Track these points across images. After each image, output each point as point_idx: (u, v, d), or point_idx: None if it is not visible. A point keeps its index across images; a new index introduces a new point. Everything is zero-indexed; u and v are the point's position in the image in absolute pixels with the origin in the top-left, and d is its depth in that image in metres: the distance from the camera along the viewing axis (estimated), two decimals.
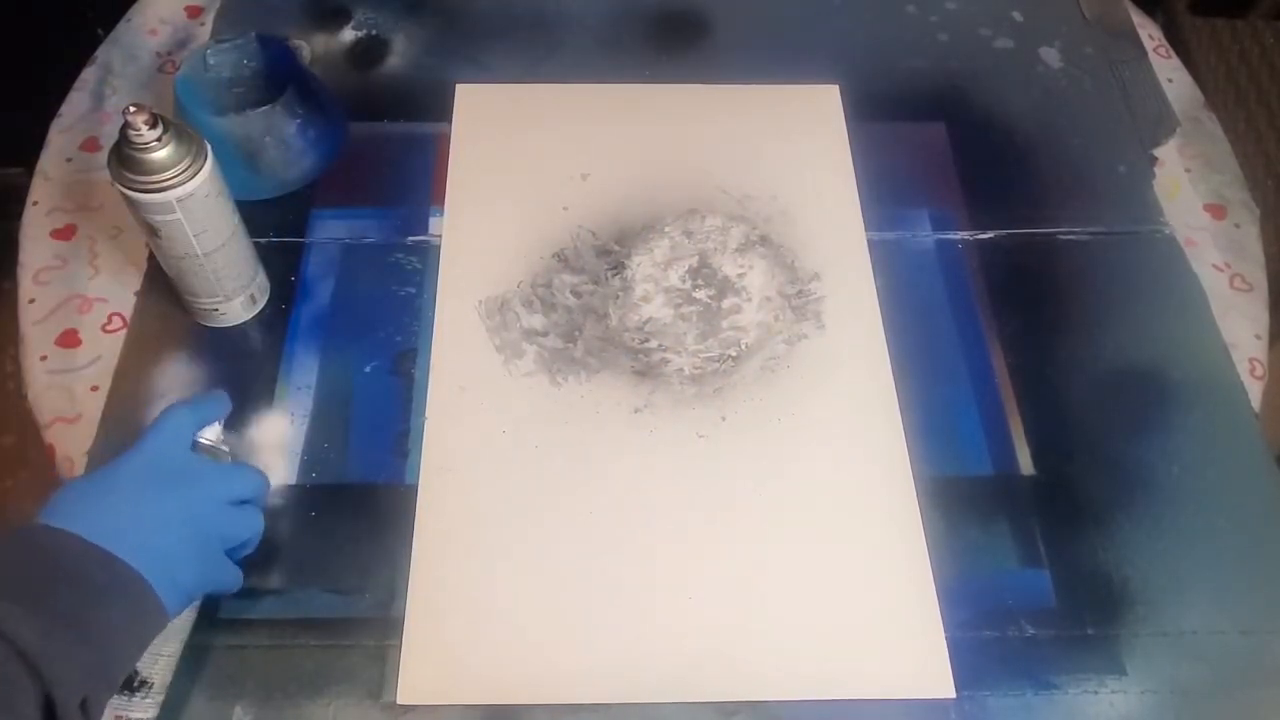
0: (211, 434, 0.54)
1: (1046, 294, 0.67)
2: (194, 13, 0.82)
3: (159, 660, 0.49)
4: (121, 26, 0.81)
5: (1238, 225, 0.72)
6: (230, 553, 0.51)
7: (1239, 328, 0.66)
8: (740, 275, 0.66)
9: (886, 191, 0.71)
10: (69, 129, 0.74)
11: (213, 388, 0.61)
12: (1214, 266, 0.69)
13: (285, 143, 0.68)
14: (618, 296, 0.65)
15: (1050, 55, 0.80)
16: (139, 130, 0.51)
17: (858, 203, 0.70)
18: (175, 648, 0.50)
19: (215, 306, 0.61)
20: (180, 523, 0.48)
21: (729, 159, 0.72)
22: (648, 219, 0.69)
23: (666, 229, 0.68)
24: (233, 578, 0.52)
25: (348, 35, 0.80)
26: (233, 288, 0.61)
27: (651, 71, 0.78)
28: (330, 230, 0.68)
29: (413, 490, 0.57)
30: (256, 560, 0.53)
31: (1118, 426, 0.61)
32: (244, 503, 0.52)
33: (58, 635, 0.42)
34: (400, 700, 0.51)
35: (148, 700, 0.49)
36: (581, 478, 0.58)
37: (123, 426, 0.59)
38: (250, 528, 0.52)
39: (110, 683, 0.45)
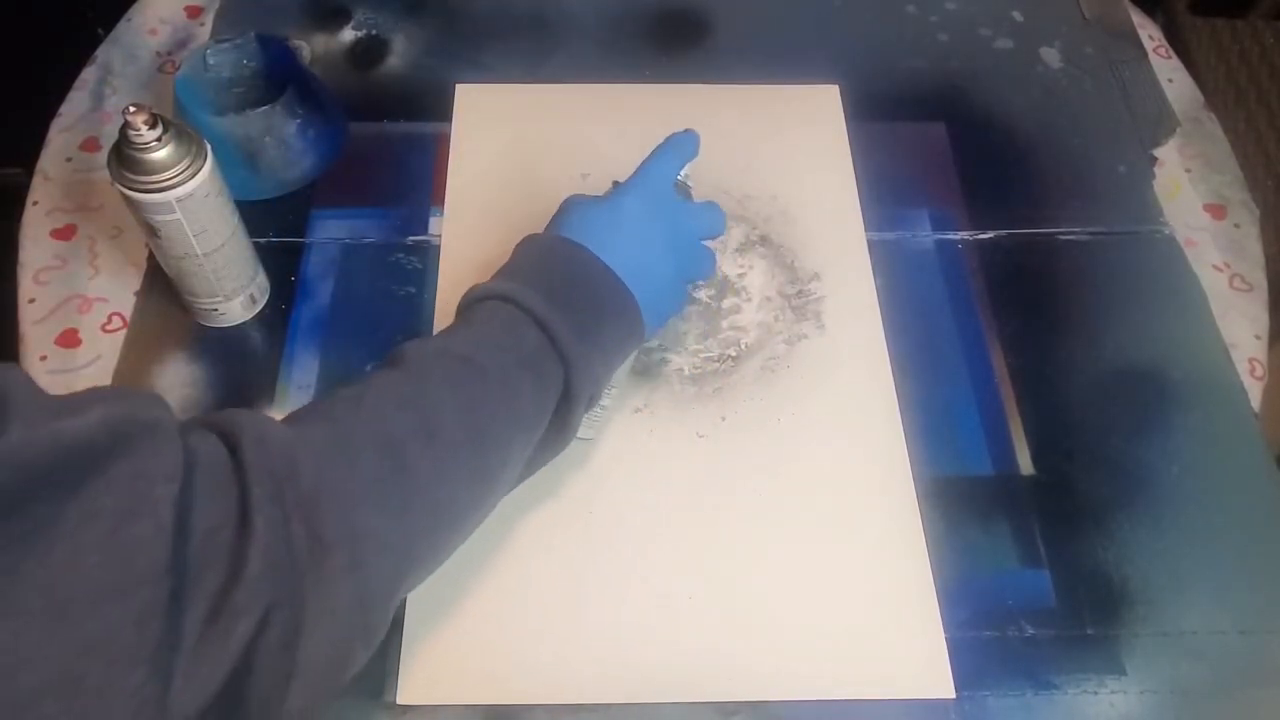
0: (683, 171, 0.58)
1: (1046, 294, 0.67)
2: (194, 13, 0.82)
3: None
4: (121, 26, 0.81)
5: (1238, 225, 0.72)
6: None
7: (1239, 328, 0.66)
8: (740, 275, 0.66)
9: (886, 191, 0.71)
10: (69, 129, 0.74)
11: (212, 388, 0.61)
12: (1214, 266, 0.69)
13: (285, 143, 0.68)
14: None
15: (1050, 55, 0.80)
16: (139, 130, 0.51)
17: (858, 203, 0.70)
18: (622, 372, 0.57)
19: (215, 306, 0.61)
20: (668, 254, 0.54)
21: (729, 159, 0.72)
22: None
23: None
24: (687, 300, 0.59)
25: (348, 35, 0.80)
26: (233, 288, 0.61)
27: (651, 71, 0.78)
28: (330, 230, 0.68)
29: None
30: None
31: (1118, 426, 0.61)
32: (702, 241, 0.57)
33: (582, 341, 0.49)
34: (400, 700, 0.51)
35: (608, 391, 0.56)
36: (581, 478, 0.58)
37: None
38: (710, 263, 0.57)
39: (601, 388, 0.52)
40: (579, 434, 0.53)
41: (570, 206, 0.55)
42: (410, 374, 0.46)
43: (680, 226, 0.55)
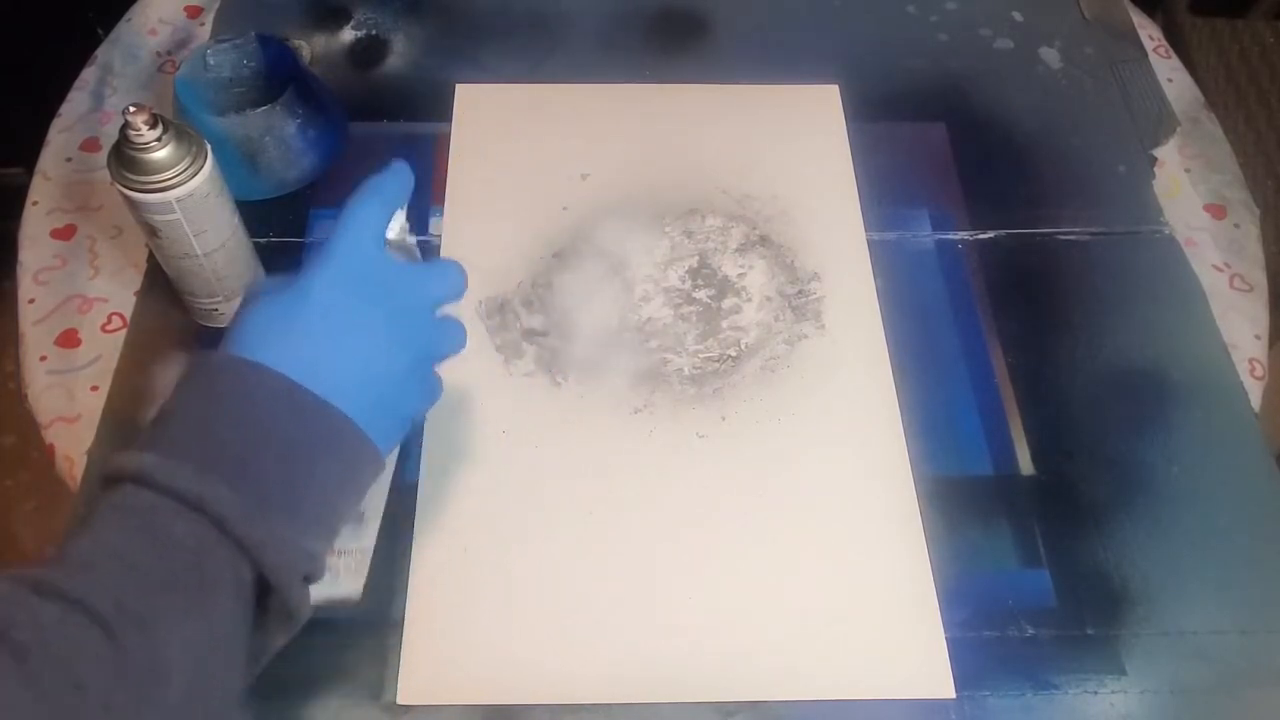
0: (397, 226, 0.45)
1: (1046, 294, 0.67)
2: (194, 13, 0.82)
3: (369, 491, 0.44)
4: (121, 26, 0.81)
5: (1238, 225, 0.72)
6: None
7: (1239, 328, 0.66)
8: (740, 275, 0.66)
9: (886, 191, 0.71)
10: (69, 129, 0.74)
11: None
12: (1214, 266, 0.69)
13: (285, 143, 0.68)
14: (618, 296, 0.65)
15: (1050, 55, 0.80)
16: (139, 130, 0.51)
17: (858, 203, 0.70)
18: (387, 473, 0.47)
19: (215, 306, 0.61)
20: (393, 345, 0.42)
21: (729, 159, 0.72)
22: (648, 219, 0.69)
23: (666, 229, 0.68)
24: (439, 390, 0.46)
25: (348, 35, 0.80)
26: (233, 288, 0.61)
27: (651, 71, 0.78)
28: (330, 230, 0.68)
29: (412, 490, 0.57)
30: None
31: (1118, 426, 0.61)
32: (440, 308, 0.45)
33: (269, 512, 0.36)
34: (400, 700, 0.51)
35: (361, 530, 0.47)
36: (581, 478, 0.58)
37: (123, 426, 0.59)
38: (456, 337, 0.46)
39: (330, 541, 0.40)
40: (340, 592, 0.46)
41: (247, 304, 0.42)
42: None
43: (402, 300, 0.43)
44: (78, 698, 0.32)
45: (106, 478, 0.37)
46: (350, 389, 0.40)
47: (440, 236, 0.68)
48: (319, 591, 0.43)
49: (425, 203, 0.69)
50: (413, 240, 0.47)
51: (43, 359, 0.62)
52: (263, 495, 0.37)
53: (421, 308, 0.44)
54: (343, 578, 0.48)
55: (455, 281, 0.46)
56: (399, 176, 0.46)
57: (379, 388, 0.41)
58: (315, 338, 0.40)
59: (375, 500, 0.47)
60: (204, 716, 0.35)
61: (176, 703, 0.34)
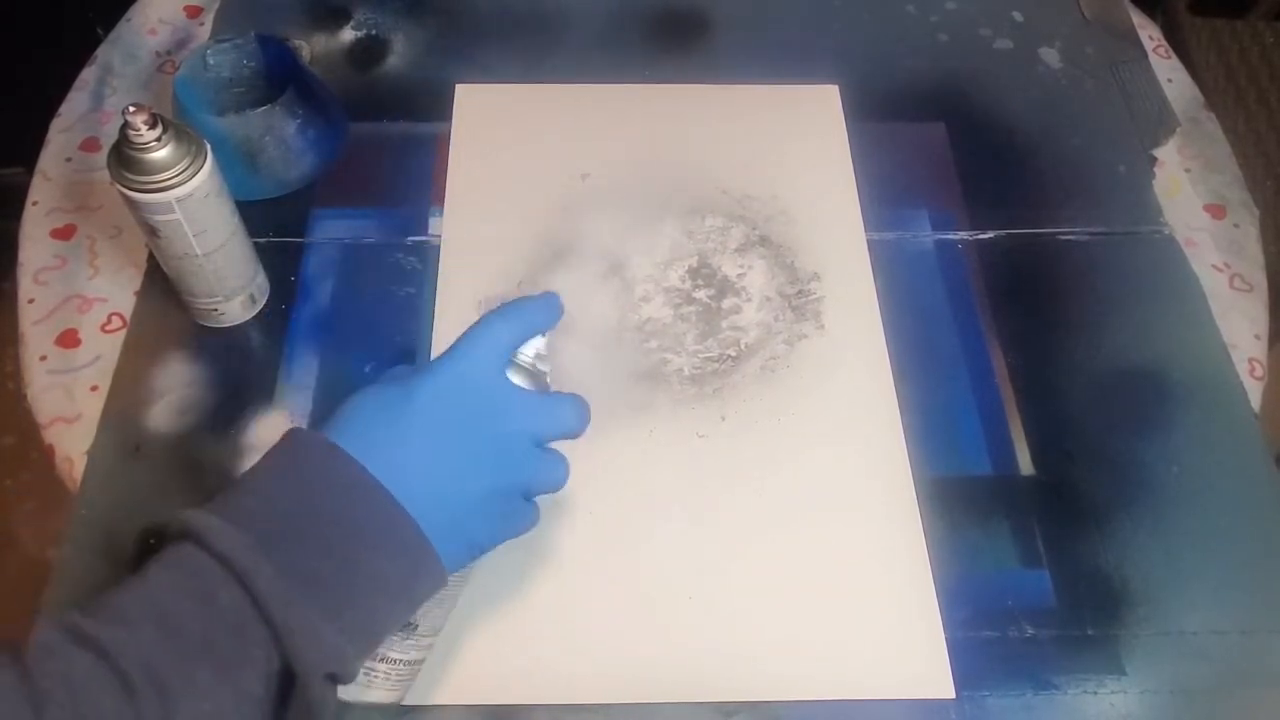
0: (532, 351, 0.45)
1: (1046, 294, 0.67)
2: (194, 13, 0.82)
3: (428, 604, 0.43)
4: (121, 26, 0.81)
5: (1237, 225, 0.72)
6: None
7: (1239, 328, 0.66)
8: (740, 275, 0.66)
9: (886, 191, 0.71)
10: (69, 129, 0.74)
11: (212, 388, 0.61)
12: (1214, 267, 0.69)
13: (285, 143, 0.68)
14: (618, 296, 0.65)
15: (1050, 55, 0.80)
16: (139, 130, 0.51)
17: (858, 203, 0.70)
18: (452, 592, 0.46)
19: (215, 306, 0.61)
20: (482, 468, 0.41)
21: (729, 159, 0.72)
22: (648, 219, 0.69)
23: (666, 229, 0.68)
24: (529, 521, 0.45)
25: (348, 35, 0.80)
26: (232, 288, 0.61)
27: (651, 71, 0.78)
28: (330, 230, 0.68)
29: None
30: None
31: (1118, 426, 0.61)
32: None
33: (310, 598, 0.36)
34: (401, 700, 0.50)
35: (410, 642, 0.45)
36: (581, 478, 0.58)
37: (123, 426, 0.59)
38: (556, 474, 0.44)
39: (369, 646, 0.39)
40: (371, 698, 0.44)
41: (358, 390, 0.42)
42: (15, 687, 0.32)
43: (506, 427, 0.42)
44: None
45: (175, 532, 0.37)
46: (426, 500, 0.39)
47: (440, 236, 0.68)
48: (351, 693, 0.44)
49: (425, 203, 0.69)
50: (546, 368, 0.45)
51: (42, 359, 0.62)
52: (309, 582, 0.36)
53: (525, 438, 0.43)
54: (379, 684, 0.45)
55: (570, 421, 0.44)
56: (547, 303, 0.45)
57: (455, 507, 0.41)
58: (406, 443, 0.40)
59: (432, 617, 0.46)
60: None
61: None
